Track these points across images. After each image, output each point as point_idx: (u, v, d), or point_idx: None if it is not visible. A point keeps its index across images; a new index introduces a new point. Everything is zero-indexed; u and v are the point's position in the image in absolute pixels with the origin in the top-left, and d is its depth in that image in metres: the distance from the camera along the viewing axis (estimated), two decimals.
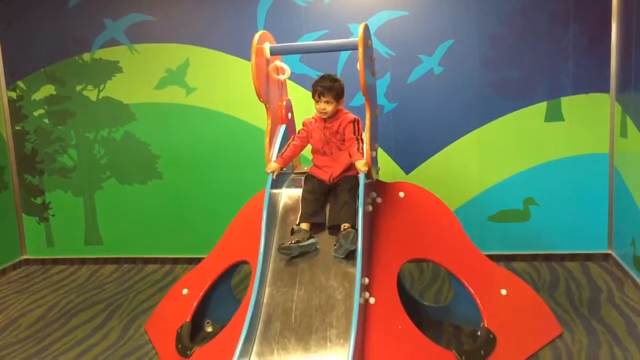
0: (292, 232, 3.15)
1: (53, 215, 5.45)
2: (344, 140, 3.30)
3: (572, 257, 4.79)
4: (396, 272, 3.14)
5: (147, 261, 5.34)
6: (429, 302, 3.98)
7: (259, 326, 2.84)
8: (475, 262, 3.49)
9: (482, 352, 3.03)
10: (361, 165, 3.13)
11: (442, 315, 3.71)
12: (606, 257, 4.75)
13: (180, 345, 3.30)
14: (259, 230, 3.14)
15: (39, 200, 5.45)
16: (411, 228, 3.39)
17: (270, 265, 3.07)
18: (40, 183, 5.43)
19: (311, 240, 3.08)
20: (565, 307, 3.82)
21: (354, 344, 2.54)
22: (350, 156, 3.25)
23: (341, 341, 2.70)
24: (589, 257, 4.77)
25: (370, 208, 3.25)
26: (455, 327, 3.57)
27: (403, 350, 2.82)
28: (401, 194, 3.46)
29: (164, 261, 5.32)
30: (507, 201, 4.83)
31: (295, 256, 3.07)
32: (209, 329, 3.65)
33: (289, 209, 3.32)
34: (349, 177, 3.27)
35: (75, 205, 5.40)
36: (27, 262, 5.50)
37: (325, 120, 3.31)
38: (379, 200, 3.36)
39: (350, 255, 3.03)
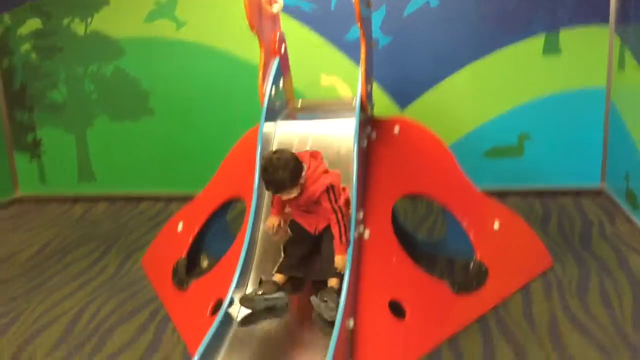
0: (260, 282, 2.70)
1: (45, 152, 5.41)
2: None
3: (565, 193, 4.81)
4: (390, 207, 3.14)
5: (141, 198, 5.34)
6: (423, 237, 4.02)
7: (255, 259, 2.86)
8: (469, 196, 3.50)
9: (475, 283, 3.08)
10: (340, 263, 2.61)
11: (435, 249, 3.76)
12: (599, 192, 4.78)
13: (176, 279, 3.33)
14: (253, 167, 3.12)
15: (30, 137, 5.40)
16: (406, 163, 3.37)
17: (265, 201, 3.07)
18: (30, 119, 5.35)
19: (279, 294, 2.60)
20: (556, 241, 3.87)
21: (348, 276, 2.56)
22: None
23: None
24: (581, 193, 4.80)
25: (365, 143, 3.22)
26: (449, 260, 3.62)
27: (398, 281, 2.86)
28: (396, 129, 3.43)
29: (157, 198, 5.32)
30: (501, 137, 4.81)
31: (261, 312, 2.59)
32: (205, 264, 3.69)
33: (283, 145, 3.29)
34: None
35: (66, 142, 5.35)
36: (20, 199, 5.49)
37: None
38: (373, 135, 3.34)
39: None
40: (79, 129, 5.31)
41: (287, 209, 2.86)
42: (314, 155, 2.78)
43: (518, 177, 4.85)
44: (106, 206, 5.25)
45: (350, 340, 2.51)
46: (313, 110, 3.76)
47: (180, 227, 3.67)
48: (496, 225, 3.40)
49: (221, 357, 2.41)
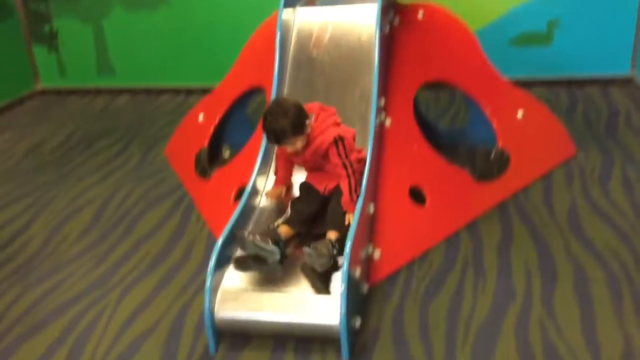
0: (268, 228, 2.45)
1: (63, 44, 5.35)
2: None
3: (593, 82, 4.67)
4: (413, 94, 3.09)
5: (161, 91, 5.31)
6: (444, 127, 3.98)
7: (275, 148, 2.87)
8: (493, 84, 3.42)
9: (496, 170, 3.08)
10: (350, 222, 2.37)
11: (456, 138, 3.73)
12: (629, 80, 4.63)
13: (199, 168, 3.38)
14: (272, 55, 3.06)
15: (46, 28, 5.32)
16: (429, 49, 3.27)
17: (285, 90, 3.03)
18: (46, 9, 5.25)
19: (272, 248, 2.28)
20: (581, 130, 3.81)
21: (369, 162, 2.57)
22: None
23: None
24: (611, 82, 4.65)
25: (387, 29, 3.12)
26: (470, 149, 3.60)
27: (418, 169, 2.87)
28: (420, 15, 3.30)
29: (178, 91, 5.29)
30: (530, 23, 4.61)
31: (251, 259, 2.31)
32: (227, 155, 3.72)
33: (303, 32, 3.20)
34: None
35: (84, 34, 5.27)
36: (42, 92, 5.51)
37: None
38: (396, 21, 3.22)
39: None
40: (95, 20, 5.21)
41: (292, 180, 2.70)
42: (325, 108, 2.55)
43: (545, 66, 4.70)
44: (127, 99, 5.25)
45: (370, 225, 2.56)
46: None
47: (201, 117, 3.67)
48: (520, 114, 3.34)
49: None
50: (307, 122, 2.41)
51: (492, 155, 3.19)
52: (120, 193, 3.45)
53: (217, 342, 2.20)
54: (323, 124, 2.47)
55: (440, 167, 2.94)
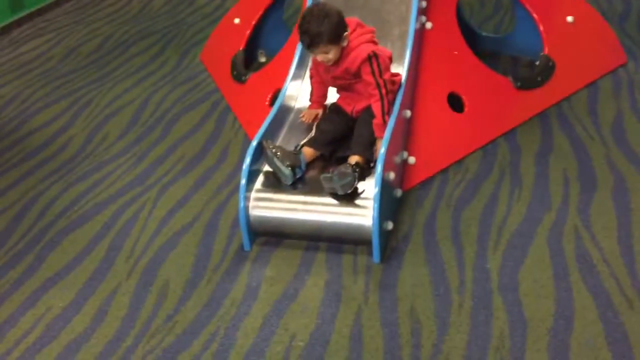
0: (296, 147, 2.38)
1: None
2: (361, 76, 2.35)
3: None
4: None
5: None
6: (489, 34, 3.82)
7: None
8: None
9: (539, 78, 2.97)
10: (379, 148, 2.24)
11: (500, 46, 3.59)
12: None
13: (235, 72, 3.35)
14: None
15: None
16: None
17: None
18: None
19: (287, 172, 2.22)
20: (634, 38, 3.61)
21: (408, 65, 2.50)
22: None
23: (395, 64, 2.65)
24: None
25: None
26: (514, 58, 3.47)
27: (458, 74, 2.79)
28: None
29: None
30: None
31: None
32: (263, 59, 3.66)
33: None
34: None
35: None
36: None
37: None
38: None
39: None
40: None
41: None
42: (363, 25, 2.38)
43: None
44: (163, 2, 5.16)
45: (406, 130, 2.53)
46: None
47: (237, 21, 3.60)
48: (569, 19, 3.18)
49: (280, 140, 2.48)
50: (345, 34, 2.28)
51: (537, 63, 3.07)
52: (156, 96, 3.46)
53: (252, 240, 2.25)
54: (358, 39, 2.32)
55: (481, 74, 2.84)
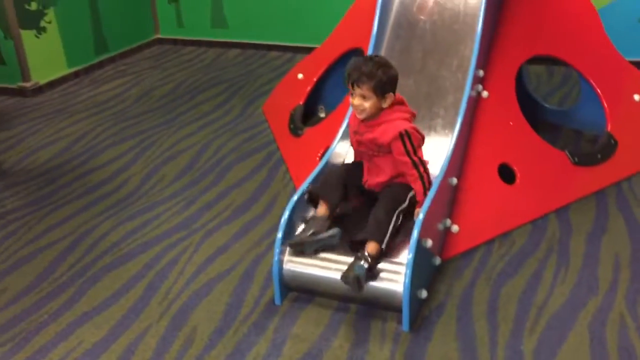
0: (306, 221, 2.30)
1: None
2: (387, 152, 2.27)
3: None
4: (517, 67, 2.94)
5: (270, 48, 5.40)
6: (552, 106, 3.75)
7: None
8: (611, 63, 3.18)
9: (599, 155, 2.87)
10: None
11: (563, 119, 3.51)
12: None
13: (292, 125, 3.43)
14: (373, 17, 3.00)
15: None
16: (542, 21, 3.09)
17: (383, 52, 2.98)
18: None
19: (332, 231, 2.21)
20: None
21: (458, 132, 2.49)
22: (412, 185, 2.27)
23: (446, 131, 2.66)
24: None
25: None
26: (576, 132, 3.38)
27: (511, 145, 2.74)
28: None
29: (286, 48, 5.35)
30: None
31: (316, 241, 2.21)
32: (322, 115, 3.74)
33: None
34: (394, 189, 2.27)
35: None
36: (160, 41, 5.77)
37: (362, 120, 2.28)
38: None
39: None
40: None
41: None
42: (405, 103, 2.30)
43: None
44: (237, 53, 5.38)
45: (451, 197, 2.49)
46: None
47: (300, 76, 3.71)
48: (637, 97, 3.09)
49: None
50: (390, 95, 2.20)
51: (599, 140, 2.98)
52: (216, 142, 3.58)
53: (283, 294, 2.25)
54: (396, 113, 2.23)
55: (536, 147, 2.78)
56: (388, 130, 2.21)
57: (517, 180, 2.68)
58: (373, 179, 2.34)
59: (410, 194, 2.26)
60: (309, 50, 5.20)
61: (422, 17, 3.02)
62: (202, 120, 3.93)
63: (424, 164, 2.24)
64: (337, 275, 2.14)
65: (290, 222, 2.26)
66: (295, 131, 3.38)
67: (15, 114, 4.19)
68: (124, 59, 5.28)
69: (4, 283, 2.44)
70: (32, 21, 4.47)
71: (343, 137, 2.68)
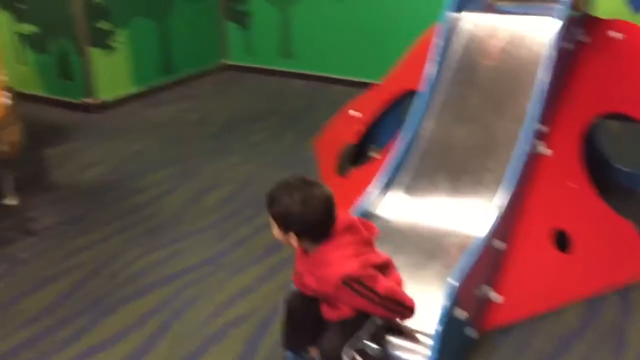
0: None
1: (254, 24, 5.56)
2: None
3: None
4: (584, 125, 2.68)
5: (335, 81, 5.29)
6: (627, 168, 3.43)
7: (412, 158, 2.67)
8: None
9: None
10: None
11: (636, 182, 3.19)
12: None
13: (340, 165, 3.29)
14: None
15: (241, 8, 5.57)
16: (621, 77, 2.83)
17: (435, 98, 2.79)
18: None
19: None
20: None
21: (510, 192, 2.26)
22: None
23: (496, 188, 2.43)
24: None
25: (572, 46, 2.74)
26: None
27: (570, 209, 2.48)
28: (617, 35, 2.86)
29: (351, 84, 5.22)
30: None
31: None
32: (374, 155, 3.58)
33: (472, 40, 2.92)
34: (345, 323, 1.82)
35: (273, 16, 5.43)
36: (227, 67, 5.78)
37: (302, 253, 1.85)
38: (584, 38, 2.82)
39: None
40: (286, 5, 5.34)
41: None
42: (359, 228, 1.83)
43: None
44: (302, 84, 5.31)
45: (495, 263, 2.26)
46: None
47: (354, 114, 3.57)
48: None
49: None
50: (291, 235, 1.72)
51: None
52: (261, 175, 3.48)
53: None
54: (333, 252, 1.73)
55: (598, 213, 2.51)
56: (327, 277, 1.72)
57: (573, 250, 2.41)
58: (332, 312, 1.85)
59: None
60: (373, 86, 5.10)
61: (485, 62, 2.83)
62: (252, 150, 3.85)
63: (388, 296, 1.76)
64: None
65: None
66: (341, 171, 3.24)
67: (74, 129, 4.26)
68: (189, 82, 5.32)
69: (24, 303, 2.41)
70: (103, 39, 4.56)
71: (387, 187, 2.52)
